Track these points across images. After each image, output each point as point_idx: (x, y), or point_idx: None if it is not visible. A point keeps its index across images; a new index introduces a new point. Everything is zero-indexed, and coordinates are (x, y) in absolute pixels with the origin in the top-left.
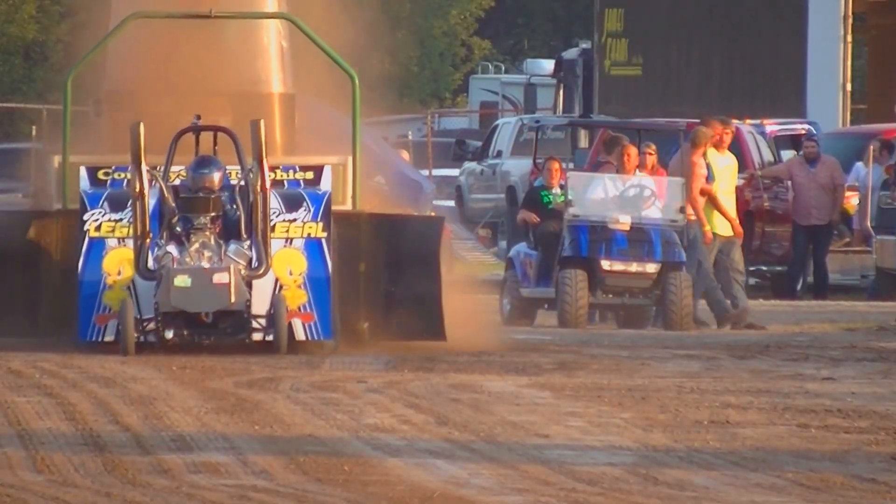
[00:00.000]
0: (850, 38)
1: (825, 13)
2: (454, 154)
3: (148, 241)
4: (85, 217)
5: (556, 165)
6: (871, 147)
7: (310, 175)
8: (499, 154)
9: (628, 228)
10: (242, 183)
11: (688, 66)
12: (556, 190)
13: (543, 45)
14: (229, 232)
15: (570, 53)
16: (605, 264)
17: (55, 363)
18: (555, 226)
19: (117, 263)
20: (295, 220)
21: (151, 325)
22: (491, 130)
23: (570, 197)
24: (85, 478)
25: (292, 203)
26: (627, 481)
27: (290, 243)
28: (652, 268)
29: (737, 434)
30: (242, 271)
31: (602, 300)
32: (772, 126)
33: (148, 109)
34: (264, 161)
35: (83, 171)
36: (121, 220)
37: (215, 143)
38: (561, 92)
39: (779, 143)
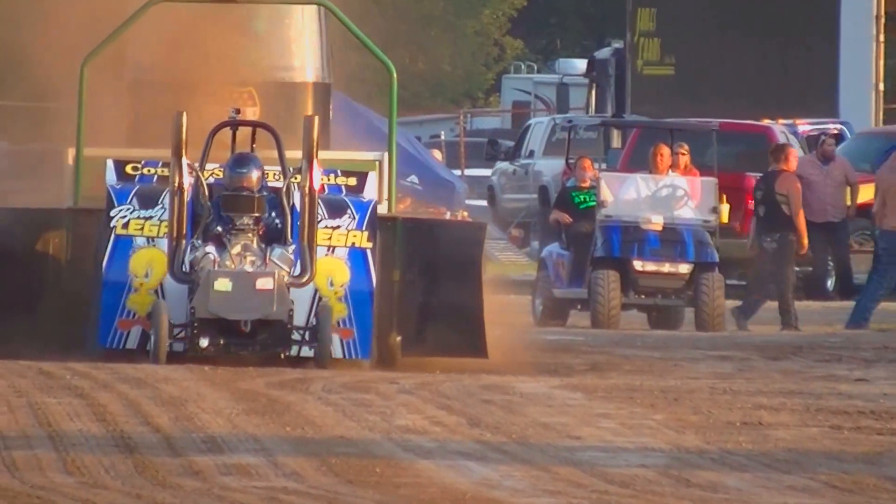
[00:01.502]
0: (882, 38)
1: (857, 13)
2: (486, 154)
3: (184, 241)
4: (112, 213)
5: (587, 163)
6: None
7: (352, 181)
8: (531, 154)
9: (661, 229)
10: (281, 184)
11: (720, 66)
12: (590, 173)
13: (576, 44)
14: (270, 236)
15: (603, 53)
16: (638, 265)
17: (86, 364)
18: (587, 226)
19: (145, 265)
20: (338, 227)
21: (181, 333)
22: (523, 130)
23: (601, 197)
24: (115, 479)
25: (335, 209)
26: (660, 483)
27: (333, 252)
28: (684, 268)
29: (769, 435)
30: (286, 278)
31: (634, 301)
32: (804, 126)
33: (173, 99)
34: (315, 160)
35: (110, 165)
36: (151, 217)
37: (253, 140)
38: (593, 92)
39: (811, 142)
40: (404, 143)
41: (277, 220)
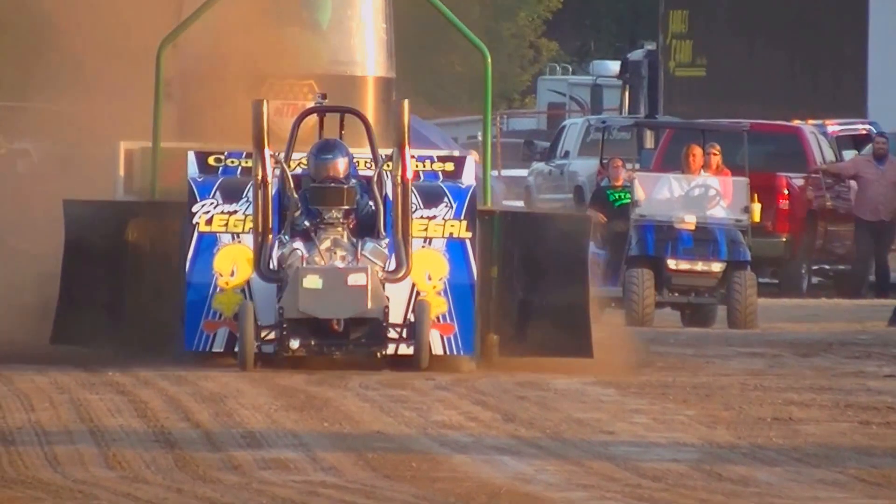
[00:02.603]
0: None
1: (886, 14)
2: (523, 154)
3: (270, 236)
4: (194, 209)
5: (618, 162)
6: None
7: (450, 167)
8: (566, 154)
9: (693, 228)
10: (372, 173)
11: (751, 67)
12: (625, 174)
13: (609, 46)
14: (361, 229)
15: (636, 55)
16: (672, 263)
17: (127, 361)
18: (621, 225)
19: (230, 262)
20: (434, 217)
21: (271, 335)
22: (559, 131)
23: (636, 197)
24: (156, 474)
25: (431, 198)
26: (692, 477)
27: (430, 244)
28: (717, 266)
29: (799, 431)
30: (380, 273)
31: (668, 299)
32: (833, 126)
33: (229, 91)
34: (406, 147)
35: (191, 157)
36: (235, 212)
37: (342, 128)
38: (627, 93)
39: (840, 143)
40: (441, 144)
41: (370, 211)
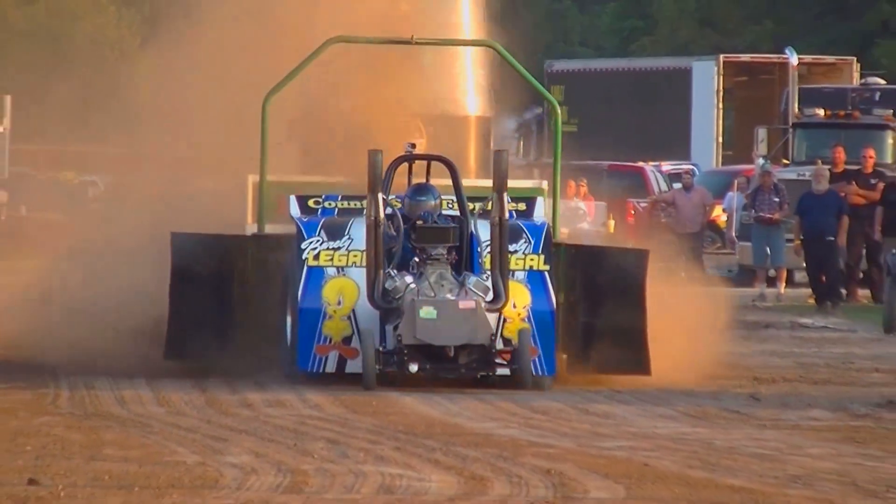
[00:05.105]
0: (721, 106)
1: (704, 88)
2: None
3: (381, 270)
4: (303, 246)
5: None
6: (736, 181)
7: (522, 206)
8: None
9: (567, 237)
10: (455, 212)
11: (608, 125)
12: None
13: (510, 109)
14: (458, 264)
15: (528, 116)
16: None
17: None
18: None
19: (337, 293)
20: (515, 251)
21: (391, 359)
22: None
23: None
24: (192, 410)
25: (512, 234)
26: (568, 412)
27: (513, 276)
28: None
29: (646, 380)
30: (483, 304)
31: None
32: (666, 166)
33: (344, 129)
34: (504, 191)
35: (292, 200)
36: (339, 248)
37: (428, 172)
38: (521, 143)
39: (672, 178)
40: None
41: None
